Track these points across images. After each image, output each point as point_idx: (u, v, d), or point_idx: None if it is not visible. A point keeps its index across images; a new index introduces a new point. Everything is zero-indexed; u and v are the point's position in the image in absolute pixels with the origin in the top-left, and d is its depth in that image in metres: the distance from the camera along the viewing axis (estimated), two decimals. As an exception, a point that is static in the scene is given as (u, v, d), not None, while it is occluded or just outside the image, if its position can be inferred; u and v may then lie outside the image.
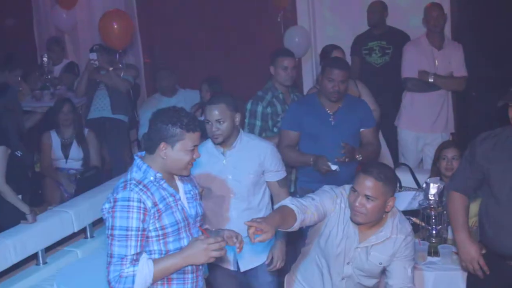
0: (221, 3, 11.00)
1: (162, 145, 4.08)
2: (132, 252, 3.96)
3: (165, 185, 4.15)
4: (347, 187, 4.81)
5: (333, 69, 6.28)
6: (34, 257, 6.53)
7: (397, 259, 4.71)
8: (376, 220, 4.65)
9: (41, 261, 6.55)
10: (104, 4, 11.39)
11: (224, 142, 5.41)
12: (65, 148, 8.24)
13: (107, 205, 4.04)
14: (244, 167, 5.51)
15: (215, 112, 5.27)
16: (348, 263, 4.76)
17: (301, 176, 6.63)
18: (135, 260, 3.96)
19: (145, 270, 3.97)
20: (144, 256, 4.01)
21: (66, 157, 8.26)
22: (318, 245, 4.86)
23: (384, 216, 4.69)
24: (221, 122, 5.28)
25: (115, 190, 4.06)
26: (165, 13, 10.67)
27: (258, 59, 8.02)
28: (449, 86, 8.35)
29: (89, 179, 7.91)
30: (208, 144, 5.51)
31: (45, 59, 10.93)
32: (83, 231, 7.03)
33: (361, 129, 6.49)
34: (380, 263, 4.72)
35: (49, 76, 10.77)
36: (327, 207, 4.70)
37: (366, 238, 4.70)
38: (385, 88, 7.54)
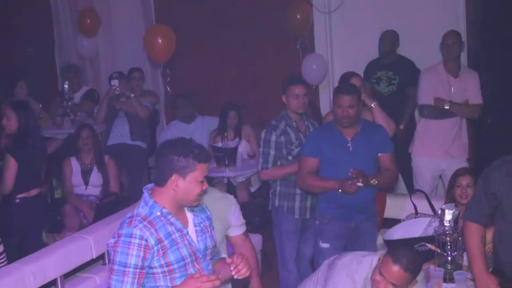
0: (240, 31, 11.04)
1: (174, 176, 4.05)
2: None
3: (172, 219, 4.12)
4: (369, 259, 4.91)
5: (340, 95, 6.32)
6: (53, 283, 6.54)
7: None
8: None
9: (59, 287, 6.60)
10: (124, 33, 11.53)
11: None
12: (85, 174, 8.28)
13: (112, 240, 4.06)
14: None
15: None
16: None
17: (321, 203, 6.58)
18: None
19: None
20: None
21: (86, 183, 8.29)
22: None
23: None
24: None
25: (121, 225, 4.09)
26: (185, 41, 10.72)
27: (277, 86, 8.05)
28: (464, 114, 8.34)
29: (108, 206, 7.92)
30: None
31: (65, 86, 10.95)
32: (101, 257, 7.02)
33: (379, 154, 6.51)
34: None
35: (69, 103, 10.81)
36: None
37: None
38: (393, 116, 7.55)
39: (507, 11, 9.13)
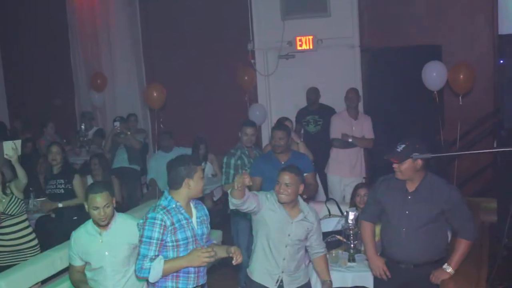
0: (208, 87, 11.11)
1: (186, 180, 4.27)
2: (151, 254, 4.17)
3: (182, 211, 4.30)
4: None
5: (275, 131, 6.48)
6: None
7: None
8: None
9: (79, 269, 6.54)
10: (123, 89, 11.54)
11: None
12: (97, 188, 8.22)
13: (141, 221, 4.27)
14: None
15: None
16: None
17: None
18: (153, 259, 4.17)
19: (157, 266, 4.15)
20: (160, 257, 4.20)
21: (97, 194, 8.22)
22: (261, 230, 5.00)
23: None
24: None
25: (148, 212, 4.27)
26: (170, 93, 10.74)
27: (231, 126, 8.09)
28: (362, 145, 8.39)
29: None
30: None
31: (82, 126, 11.05)
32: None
33: (304, 174, 6.53)
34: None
35: (85, 139, 10.82)
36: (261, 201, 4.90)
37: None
38: (319, 149, 7.61)
39: (392, 74, 9.27)
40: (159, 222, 4.17)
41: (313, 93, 9.34)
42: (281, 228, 4.88)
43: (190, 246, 4.31)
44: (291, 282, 5.00)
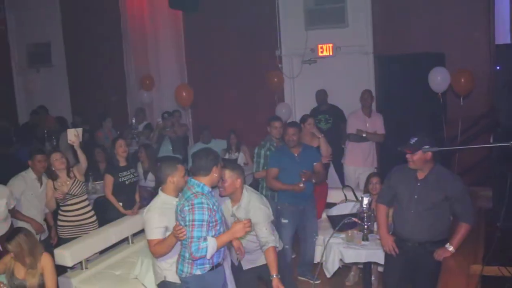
0: (239, 88, 11.07)
1: (214, 168, 4.28)
2: (204, 235, 4.11)
3: (213, 194, 4.33)
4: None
5: (287, 128, 6.51)
6: (126, 239, 6.61)
7: None
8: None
9: (130, 242, 6.62)
10: (168, 88, 11.54)
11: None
12: (145, 173, 8.25)
13: (186, 208, 4.14)
14: None
15: None
16: None
17: (281, 195, 6.55)
18: (205, 239, 4.10)
19: (212, 243, 4.11)
20: (210, 237, 4.14)
21: (145, 178, 8.25)
22: None
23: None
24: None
25: (189, 199, 4.16)
26: (205, 92, 10.73)
27: (261, 122, 8.10)
28: (374, 139, 8.37)
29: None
30: None
31: (133, 121, 11.07)
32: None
33: (314, 163, 6.53)
34: None
35: (135, 131, 10.85)
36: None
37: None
38: (330, 143, 7.58)
39: (402, 77, 9.18)
40: (206, 205, 4.12)
41: (321, 95, 9.35)
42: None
43: (222, 224, 4.32)
44: (248, 262, 5.00)
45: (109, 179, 6.75)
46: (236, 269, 5.05)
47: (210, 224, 4.15)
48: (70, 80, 13.32)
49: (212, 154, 4.33)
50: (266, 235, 4.68)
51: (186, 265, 4.27)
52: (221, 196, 4.79)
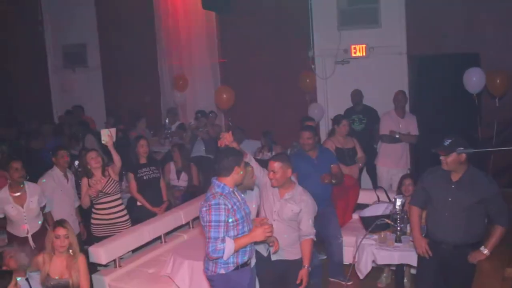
0: (273, 88, 11.09)
1: (236, 168, 4.27)
2: (221, 236, 4.09)
3: (234, 194, 4.31)
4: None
5: (302, 132, 6.51)
6: (159, 238, 6.67)
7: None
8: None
9: (163, 240, 6.69)
10: (201, 89, 11.63)
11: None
12: (178, 173, 8.31)
13: (204, 208, 4.15)
14: None
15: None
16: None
17: None
18: (223, 240, 4.08)
19: (230, 245, 4.10)
20: (228, 238, 4.13)
21: (178, 178, 8.27)
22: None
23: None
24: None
25: (207, 200, 4.18)
26: (240, 94, 10.77)
27: (294, 122, 8.10)
28: (407, 140, 8.31)
29: (191, 193, 7.93)
30: None
31: (167, 121, 11.18)
32: (188, 223, 7.13)
33: (331, 165, 6.52)
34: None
35: (168, 131, 10.95)
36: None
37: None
38: (364, 144, 7.54)
39: (435, 78, 9.10)
40: (223, 206, 4.11)
41: (357, 95, 9.29)
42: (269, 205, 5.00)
43: (245, 224, 4.29)
44: (277, 254, 4.96)
45: (131, 176, 6.97)
46: (265, 260, 5.07)
47: (230, 224, 4.17)
48: (104, 80, 13.49)
49: (232, 155, 4.32)
50: (309, 227, 4.86)
51: (211, 263, 4.30)
52: (272, 187, 4.93)
